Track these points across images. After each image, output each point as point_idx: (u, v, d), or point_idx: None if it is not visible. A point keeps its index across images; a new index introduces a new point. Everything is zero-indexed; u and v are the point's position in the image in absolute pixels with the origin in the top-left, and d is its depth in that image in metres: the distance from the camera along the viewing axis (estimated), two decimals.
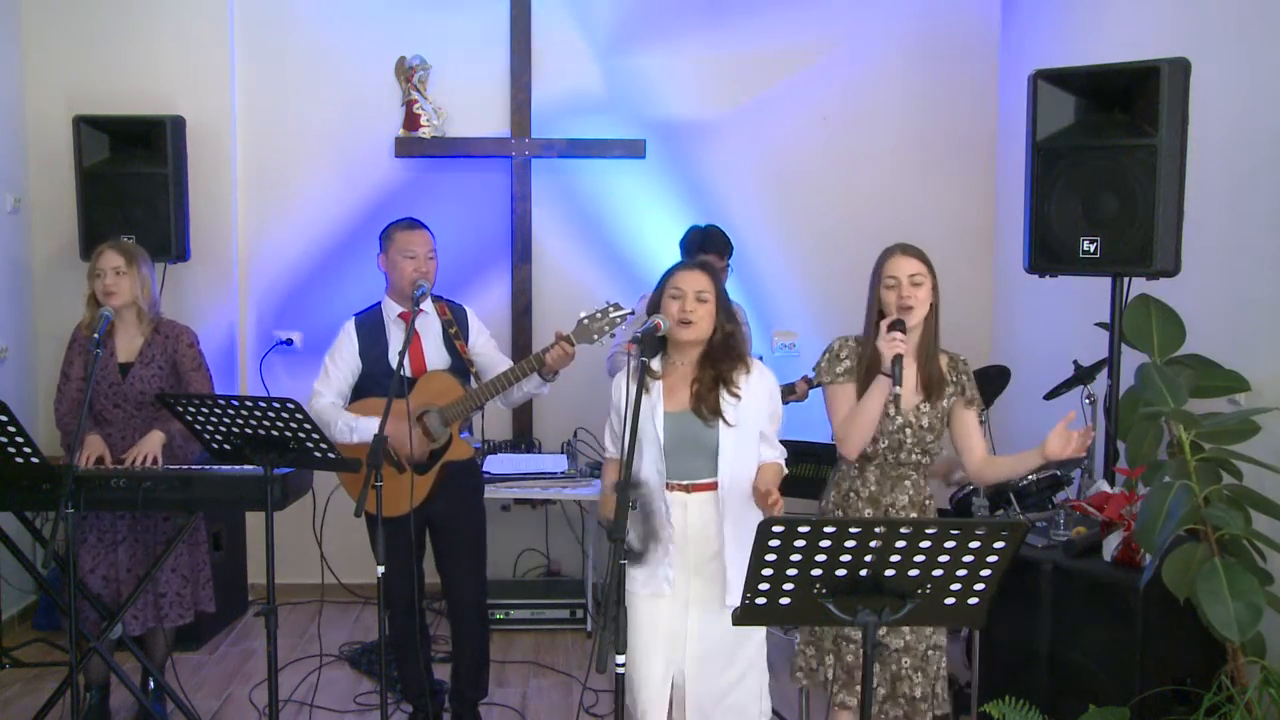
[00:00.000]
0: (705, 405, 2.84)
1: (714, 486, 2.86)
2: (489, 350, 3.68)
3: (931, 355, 2.98)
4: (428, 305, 3.62)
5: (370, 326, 3.63)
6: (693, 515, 2.85)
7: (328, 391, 3.61)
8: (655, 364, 2.89)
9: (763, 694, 2.93)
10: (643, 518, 2.78)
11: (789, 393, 4.28)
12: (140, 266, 3.70)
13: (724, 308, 2.91)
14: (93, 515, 3.66)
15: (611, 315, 3.27)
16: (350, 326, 3.66)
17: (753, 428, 2.89)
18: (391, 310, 3.61)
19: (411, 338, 3.52)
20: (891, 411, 2.95)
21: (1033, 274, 3.84)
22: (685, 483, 2.85)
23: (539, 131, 5.24)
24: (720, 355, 2.88)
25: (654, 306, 2.94)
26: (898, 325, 2.86)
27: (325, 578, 4.46)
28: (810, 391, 4.34)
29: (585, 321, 3.29)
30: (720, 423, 2.83)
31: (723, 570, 2.83)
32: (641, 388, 2.69)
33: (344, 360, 3.62)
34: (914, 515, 2.99)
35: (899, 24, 5.35)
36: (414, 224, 3.65)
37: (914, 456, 2.98)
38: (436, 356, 3.61)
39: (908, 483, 3.00)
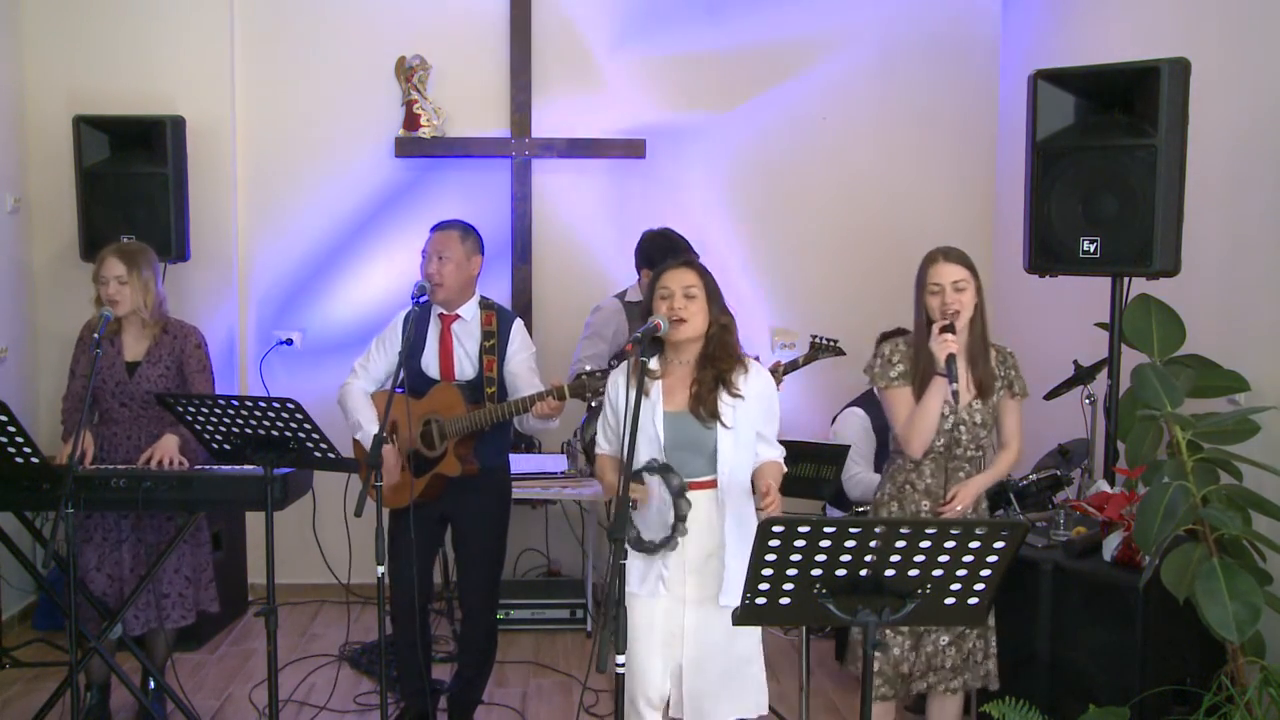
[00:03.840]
0: (704, 407, 2.85)
1: (712, 484, 2.87)
2: (521, 370, 3.60)
3: (982, 355, 3.09)
4: (470, 312, 3.63)
5: (416, 322, 3.63)
6: (691, 513, 2.86)
7: (363, 374, 3.67)
8: (654, 364, 2.89)
9: (760, 689, 2.94)
10: (675, 502, 2.78)
11: None
12: (142, 270, 3.69)
13: (716, 301, 2.92)
14: (97, 514, 3.66)
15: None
16: (399, 318, 3.68)
17: (750, 428, 2.91)
18: (434, 310, 3.62)
19: (421, 344, 3.56)
20: (946, 411, 3.05)
21: (1032, 274, 3.85)
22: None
23: (539, 131, 5.24)
24: (719, 354, 2.89)
25: (646, 311, 2.95)
26: (949, 328, 2.98)
27: (325, 578, 4.46)
28: (784, 379, 4.31)
29: (584, 378, 3.26)
30: (718, 424, 2.85)
31: (720, 568, 2.84)
32: (641, 388, 2.69)
33: (387, 349, 3.66)
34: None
35: (899, 24, 5.35)
36: (439, 225, 3.65)
37: (969, 452, 3.11)
38: (467, 367, 3.61)
39: (961, 475, 3.12)
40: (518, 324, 3.67)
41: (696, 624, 2.87)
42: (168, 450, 3.55)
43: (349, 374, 3.70)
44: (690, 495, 2.85)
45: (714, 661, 2.87)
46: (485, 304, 3.67)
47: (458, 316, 3.62)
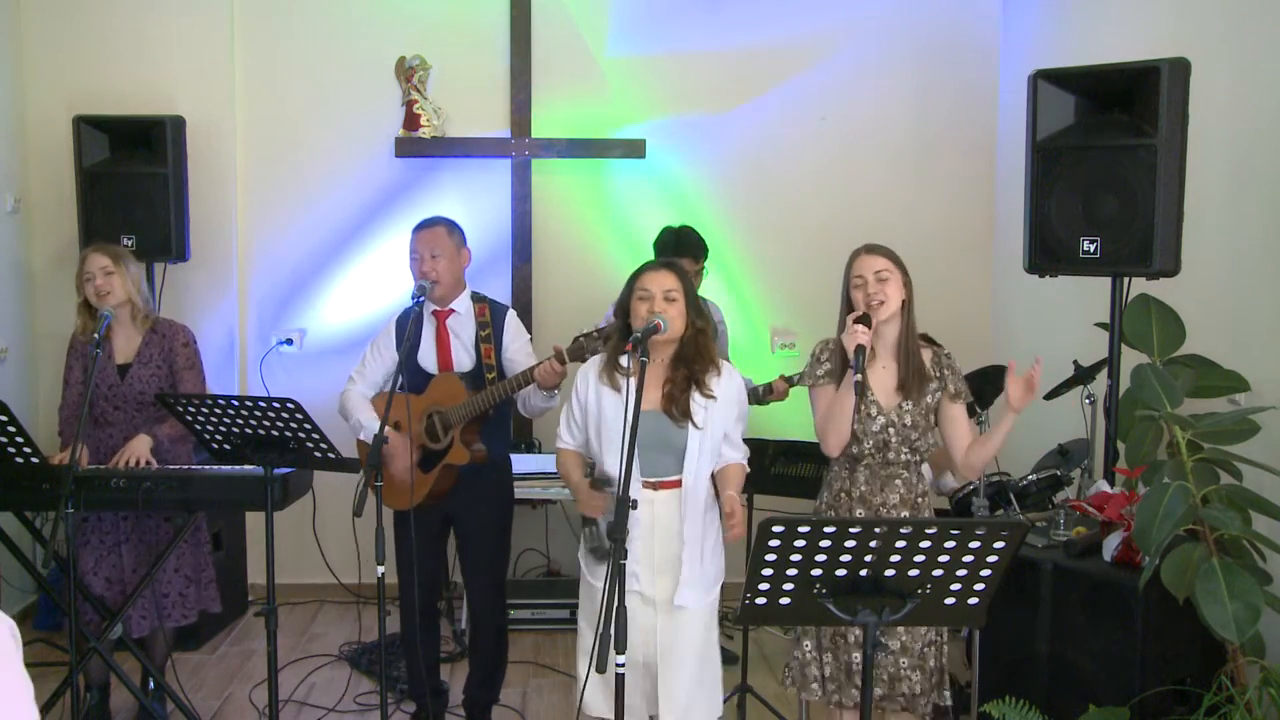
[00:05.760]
0: (676, 406, 2.90)
1: (677, 484, 2.91)
2: (520, 357, 3.64)
3: (911, 352, 2.99)
4: (464, 305, 3.66)
5: (408, 323, 3.64)
6: (658, 512, 2.91)
7: (360, 380, 3.70)
8: (624, 361, 2.90)
9: (719, 692, 3.02)
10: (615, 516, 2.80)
11: (768, 392, 4.26)
12: (128, 265, 3.70)
13: (693, 305, 2.95)
14: (94, 517, 3.65)
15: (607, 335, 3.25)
16: (392, 321, 3.72)
17: (719, 429, 2.95)
18: (428, 308, 3.63)
19: (417, 339, 3.56)
20: (874, 412, 2.97)
21: (1033, 274, 3.84)
22: (653, 480, 2.90)
23: (539, 131, 5.24)
24: (692, 356, 2.93)
25: (623, 309, 2.96)
26: (863, 319, 2.90)
27: (325, 578, 4.46)
28: (790, 390, 4.31)
29: (581, 340, 3.28)
30: (689, 424, 2.87)
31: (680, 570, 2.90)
32: (641, 388, 2.70)
33: (381, 353, 3.69)
34: (905, 514, 2.99)
35: (899, 24, 5.35)
36: (423, 224, 3.67)
37: (903, 455, 2.99)
38: (464, 358, 3.62)
39: (898, 481, 3.00)
40: (511, 314, 3.71)
41: (667, 625, 2.92)
42: (137, 451, 3.55)
43: (346, 383, 3.72)
44: (658, 494, 2.90)
45: (686, 663, 2.92)
46: (477, 298, 3.70)
47: (452, 311, 3.64)
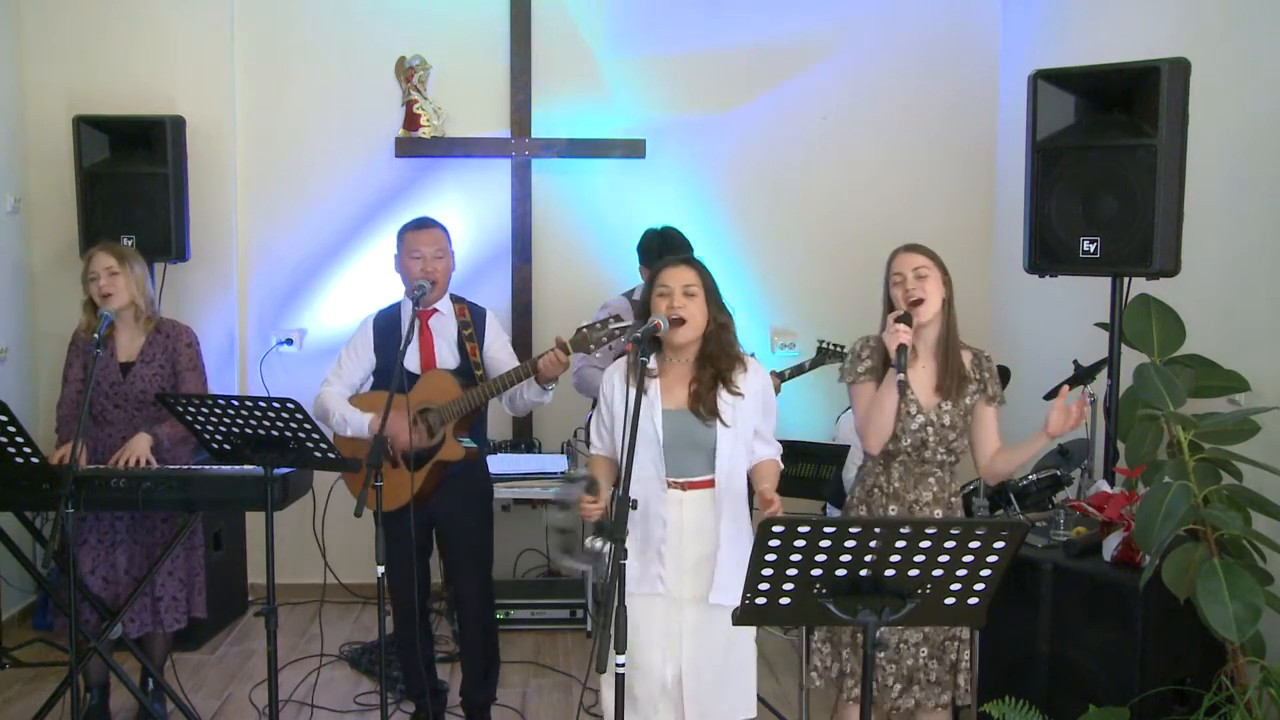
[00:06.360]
0: (704, 405, 2.85)
1: (710, 484, 2.87)
2: (502, 355, 3.66)
3: (950, 352, 3.00)
4: (445, 306, 3.67)
5: (388, 324, 3.65)
6: (688, 513, 2.86)
7: (337, 382, 3.67)
8: (651, 362, 2.88)
9: (752, 692, 2.95)
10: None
11: None
12: (133, 266, 3.70)
13: (714, 300, 2.92)
14: (92, 516, 3.65)
15: (611, 327, 3.27)
16: (369, 322, 3.71)
17: (748, 426, 2.91)
18: (408, 308, 3.62)
19: (412, 337, 3.55)
20: (913, 410, 2.98)
21: (1033, 274, 3.84)
22: (682, 480, 2.86)
23: (539, 131, 5.24)
24: (718, 353, 2.89)
25: (644, 308, 2.95)
26: (904, 318, 2.91)
27: (325, 578, 4.46)
28: (782, 386, 4.30)
29: (585, 331, 3.29)
30: (718, 423, 2.84)
31: (715, 568, 2.85)
32: (642, 388, 2.69)
33: (358, 354, 3.68)
34: (938, 512, 3.00)
35: (899, 24, 5.35)
36: (422, 224, 3.67)
37: (938, 455, 3.01)
38: (448, 357, 3.63)
39: (932, 480, 3.02)
40: (490, 314, 3.75)
41: (695, 625, 2.86)
42: (137, 451, 3.55)
43: (321, 385, 3.68)
44: (688, 495, 2.86)
45: (712, 663, 2.87)
46: (455, 299, 3.71)
47: (435, 311, 3.65)
